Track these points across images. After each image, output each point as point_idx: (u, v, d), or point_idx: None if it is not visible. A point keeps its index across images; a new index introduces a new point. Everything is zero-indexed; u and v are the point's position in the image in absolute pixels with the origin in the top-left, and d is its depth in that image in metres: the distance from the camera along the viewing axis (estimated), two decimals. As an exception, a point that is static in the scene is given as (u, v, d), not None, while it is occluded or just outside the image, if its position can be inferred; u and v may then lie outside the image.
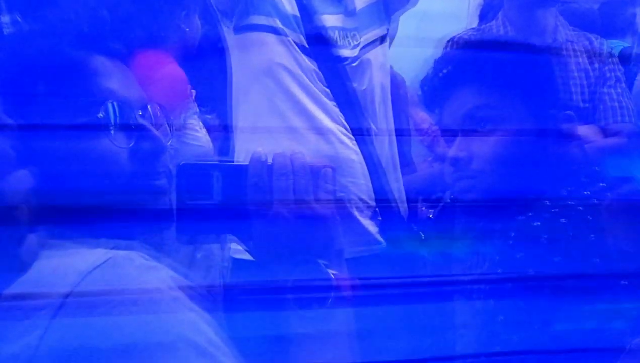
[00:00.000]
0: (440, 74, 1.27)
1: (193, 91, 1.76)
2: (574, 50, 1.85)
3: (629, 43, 2.04)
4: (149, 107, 0.91)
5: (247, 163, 0.86)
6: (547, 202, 1.16)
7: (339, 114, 1.60)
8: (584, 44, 1.87)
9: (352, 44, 1.61)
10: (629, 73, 1.86)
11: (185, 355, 0.75)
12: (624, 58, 1.86)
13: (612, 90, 1.83)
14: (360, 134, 1.61)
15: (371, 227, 1.61)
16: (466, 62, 1.28)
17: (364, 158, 1.60)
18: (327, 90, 1.59)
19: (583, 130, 1.69)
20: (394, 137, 1.67)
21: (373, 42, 1.65)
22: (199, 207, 0.85)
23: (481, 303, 1.15)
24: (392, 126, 1.68)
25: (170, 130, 0.93)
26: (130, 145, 0.87)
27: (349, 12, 1.62)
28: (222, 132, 1.77)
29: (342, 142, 1.59)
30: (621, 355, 0.96)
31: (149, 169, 0.89)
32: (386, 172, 1.63)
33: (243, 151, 1.55)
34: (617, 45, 2.08)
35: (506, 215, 1.16)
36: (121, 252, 0.79)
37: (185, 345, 0.75)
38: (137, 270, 0.78)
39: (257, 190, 0.84)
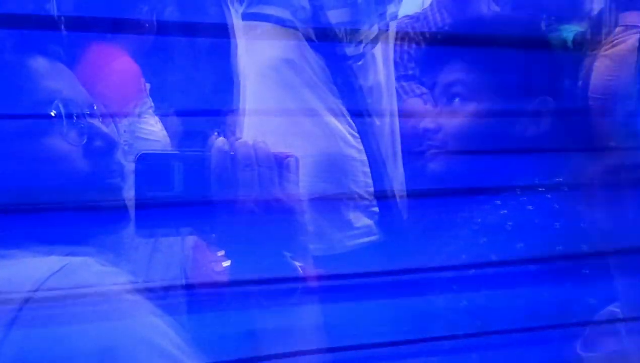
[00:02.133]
0: None
1: (148, 85, 1.72)
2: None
3: (583, 27, 2.06)
4: (94, 106, 0.90)
5: (209, 152, 0.84)
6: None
7: (345, 111, 1.60)
8: None
9: (356, 41, 1.61)
10: (583, 57, 1.88)
11: (148, 358, 0.74)
12: (579, 42, 1.88)
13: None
14: (364, 131, 1.62)
15: (367, 220, 1.62)
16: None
17: (367, 154, 1.61)
18: (334, 87, 1.59)
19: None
20: (397, 128, 1.68)
21: (376, 36, 1.64)
22: (158, 199, 0.82)
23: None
24: (396, 118, 1.69)
25: (117, 127, 0.92)
26: (83, 142, 0.86)
27: (352, 5, 1.60)
28: (180, 126, 1.74)
29: (345, 141, 1.59)
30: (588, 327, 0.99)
31: (102, 167, 0.88)
32: (387, 164, 1.65)
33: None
34: (572, 29, 2.10)
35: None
36: (77, 259, 0.78)
37: (147, 348, 0.75)
38: (95, 276, 0.77)
39: (220, 180, 0.83)
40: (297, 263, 0.84)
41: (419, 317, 1.14)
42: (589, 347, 0.95)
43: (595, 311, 1.01)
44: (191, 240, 1.55)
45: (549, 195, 1.21)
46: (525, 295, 1.10)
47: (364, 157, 1.61)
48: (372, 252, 1.58)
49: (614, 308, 0.96)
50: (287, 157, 0.85)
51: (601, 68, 1.63)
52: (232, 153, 0.83)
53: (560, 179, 1.22)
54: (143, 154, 0.83)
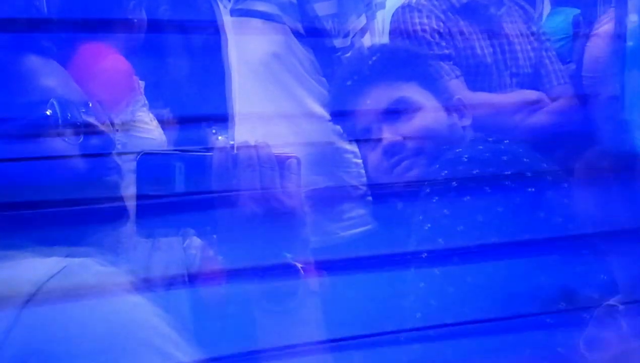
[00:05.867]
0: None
1: (142, 83, 1.71)
2: (515, 16, 1.85)
3: (579, 10, 2.05)
4: (89, 103, 0.90)
5: (211, 153, 0.83)
6: None
7: None
8: (520, 9, 1.88)
9: (344, 33, 1.62)
10: (581, 39, 1.87)
11: (148, 359, 0.74)
12: (577, 24, 1.87)
13: (550, 54, 1.85)
14: None
15: (361, 210, 1.62)
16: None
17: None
18: (324, 79, 1.61)
19: (535, 95, 1.72)
20: None
21: (363, 27, 1.65)
22: (160, 199, 0.82)
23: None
24: None
25: (113, 125, 0.91)
26: (80, 141, 0.86)
27: None
28: (176, 124, 1.74)
29: (336, 132, 1.60)
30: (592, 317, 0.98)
31: (99, 165, 0.87)
32: None
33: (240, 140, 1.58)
34: (570, 12, 2.10)
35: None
36: (76, 260, 0.77)
37: (147, 350, 0.74)
38: (94, 277, 0.76)
39: (222, 180, 0.82)
40: (298, 264, 0.84)
41: (412, 303, 1.14)
42: (591, 345, 0.94)
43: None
44: (192, 239, 1.54)
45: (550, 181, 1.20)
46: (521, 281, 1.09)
47: (356, 148, 1.61)
48: (367, 240, 1.58)
49: (614, 303, 0.95)
50: (289, 157, 0.85)
51: (591, 47, 1.62)
52: (234, 153, 0.83)
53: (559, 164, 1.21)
54: (145, 153, 0.82)
